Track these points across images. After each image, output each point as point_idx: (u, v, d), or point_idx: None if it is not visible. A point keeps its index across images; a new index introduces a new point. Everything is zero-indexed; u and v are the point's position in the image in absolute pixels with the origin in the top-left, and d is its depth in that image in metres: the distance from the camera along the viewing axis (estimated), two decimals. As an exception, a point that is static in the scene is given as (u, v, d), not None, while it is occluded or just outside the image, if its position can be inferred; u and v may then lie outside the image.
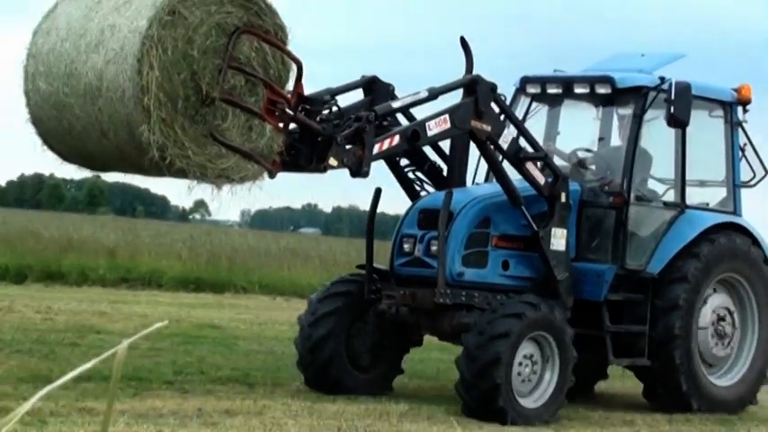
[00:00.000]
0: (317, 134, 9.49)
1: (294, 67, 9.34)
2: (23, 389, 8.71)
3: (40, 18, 8.62)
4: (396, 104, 10.20)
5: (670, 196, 11.75)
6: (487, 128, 10.36)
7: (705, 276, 11.02)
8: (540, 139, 11.65)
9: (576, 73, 11.73)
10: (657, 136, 11.58)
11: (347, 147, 9.53)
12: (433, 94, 10.35)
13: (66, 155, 8.84)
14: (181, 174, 8.59)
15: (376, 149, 9.72)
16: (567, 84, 11.48)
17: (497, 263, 10.65)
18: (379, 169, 10.42)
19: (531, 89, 11.79)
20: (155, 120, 8.19)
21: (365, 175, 9.72)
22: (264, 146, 9.11)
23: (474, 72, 10.67)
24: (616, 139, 11.84)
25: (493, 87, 10.38)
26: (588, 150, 11.77)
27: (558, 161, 11.57)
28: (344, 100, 10.58)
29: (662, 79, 10.90)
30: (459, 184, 11.15)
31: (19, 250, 21.57)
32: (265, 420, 9.14)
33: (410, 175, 11.16)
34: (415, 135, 10.07)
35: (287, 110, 9.19)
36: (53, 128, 8.52)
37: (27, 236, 23.43)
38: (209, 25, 8.58)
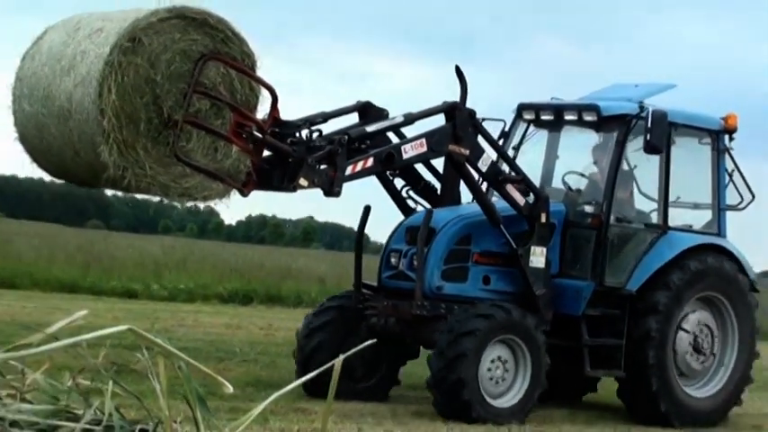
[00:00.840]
0: (288, 155, 8.95)
1: (263, 91, 8.79)
2: (249, 392, 8.82)
3: (30, 43, 8.41)
4: (370, 129, 9.66)
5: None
6: (465, 151, 9.84)
7: (682, 294, 10.53)
8: (539, 163, 11.44)
9: (566, 101, 11.23)
10: (648, 161, 11.00)
11: (320, 167, 9.03)
12: (409, 120, 9.87)
13: (52, 172, 8.69)
14: (144, 192, 8.19)
15: (349, 171, 9.21)
16: (558, 111, 11.10)
17: (478, 278, 10.16)
18: (367, 187, 10.30)
19: (527, 115, 11.38)
20: (112, 140, 7.65)
21: (337, 194, 9.20)
22: (231, 166, 8.47)
23: (468, 100, 10.16)
24: (606, 164, 11.01)
25: (471, 114, 9.93)
26: (581, 174, 11.22)
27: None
28: (340, 123, 10.02)
29: (641, 108, 10.40)
30: (451, 202, 10.70)
31: (247, 277, 22.40)
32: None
33: (404, 193, 10.62)
34: (390, 158, 9.57)
35: (255, 132, 8.62)
36: (36, 146, 8.26)
37: (254, 266, 24.12)
38: (173, 52, 8.00)
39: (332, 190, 9.10)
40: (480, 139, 10.21)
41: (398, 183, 10.72)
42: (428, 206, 10.54)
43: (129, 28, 7.73)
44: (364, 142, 9.59)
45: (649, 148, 10.29)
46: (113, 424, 2.82)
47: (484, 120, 10.85)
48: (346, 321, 10.20)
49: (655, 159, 10.86)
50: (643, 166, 11.06)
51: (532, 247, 10.11)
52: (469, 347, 9.20)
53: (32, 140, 8.20)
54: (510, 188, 10.05)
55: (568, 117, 11.01)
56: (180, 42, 8.03)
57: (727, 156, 11.32)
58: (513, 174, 10.22)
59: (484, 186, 10.46)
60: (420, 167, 10.56)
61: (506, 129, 11.33)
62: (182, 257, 27.38)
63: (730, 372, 10.93)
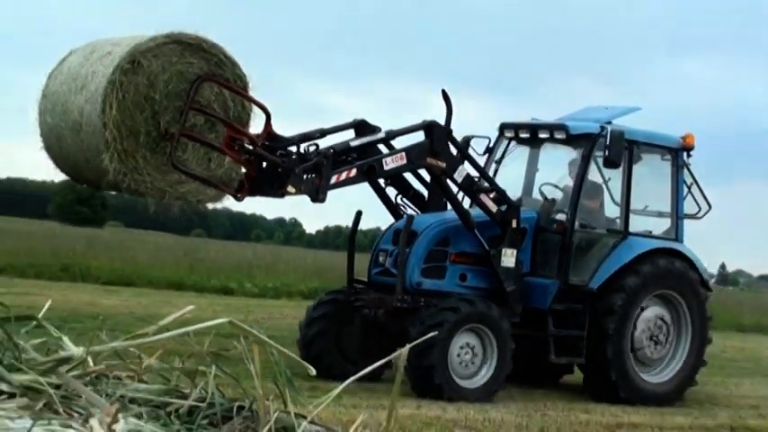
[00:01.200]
0: (277, 166, 9.43)
1: (255, 109, 9.25)
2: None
3: (55, 64, 8.95)
4: (354, 143, 10.28)
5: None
6: (442, 164, 10.49)
7: (639, 291, 11.28)
8: (522, 175, 12.26)
9: (542, 121, 12.04)
10: (619, 174, 11.75)
11: (307, 177, 9.59)
12: (390, 136, 10.58)
13: (74, 177, 9.33)
14: (142, 194, 8.58)
15: (333, 180, 9.79)
16: (533, 129, 11.91)
17: (455, 275, 10.88)
18: (361, 193, 10.98)
19: (508, 133, 12.25)
20: (113, 150, 8.07)
21: (322, 200, 9.77)
22: (223, 174, 9.03)
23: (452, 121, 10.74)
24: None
25: (448, 131, 10.56)
26: (555, 185, 11.94)
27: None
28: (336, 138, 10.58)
29: (602, 128, 11.14)
30: (437, 208, 11.31)
31: (324, 278, 24.66)
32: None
33: (399, 200, 11.26)
34: (372, 169, 10.21)
35: (246, 145, 9.02)
36: (57, 154, 8.82)
37: (330, 268, 25.83)
38: (170, 73, 8.40)
39: (317, 197, 9.67)
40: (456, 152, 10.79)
41: (392, 191, 11.30)
42: (417, 212, 11.19)
43: (130, 51, 8.19)
44: (350, 155, 10.17)
45: (608, 163, 11.05)
46: (215, 401, 3.09)
47: (472, 137, 11.88)
48: (341, 312, 10.91)
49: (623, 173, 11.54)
50: (615, 179, 11.80)
51: (504, 249, 10.76)
52: (438, 337, 9.63)
53: (54, 149, 8.72)
54: (483, 197, 10.69)
55: (542, 135, 11.79)
56: (177, 65, 8.45)
57: (686, 170, 12.06)
58: (486, 184, 10.86)
59: (461, 195, 11.00)
60: (410, 178, 11.20)
61: (491, 145, 12.09)
62: (270, 261, 29.83)
63: (685, 358, 11.68)
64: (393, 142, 10.84)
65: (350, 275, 11.25)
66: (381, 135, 10.47)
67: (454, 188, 10.94)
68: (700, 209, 12.20)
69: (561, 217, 11.59)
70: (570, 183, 11.75)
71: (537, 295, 11.17)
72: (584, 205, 11.57)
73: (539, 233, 11.40)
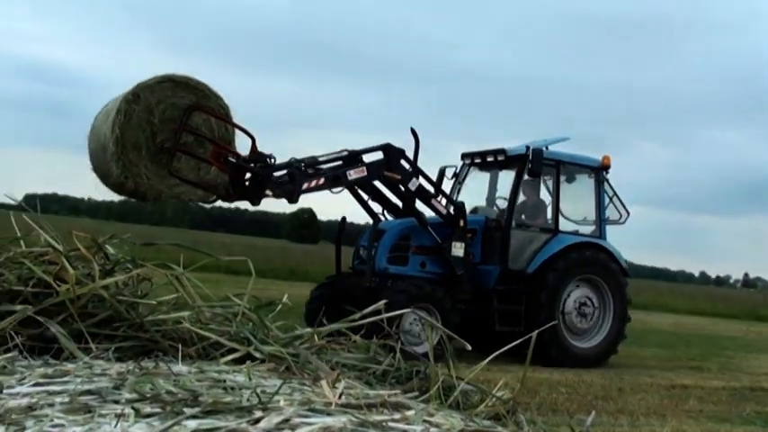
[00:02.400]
0: (257, 174, 11.39)
1: (236, 131, 10.85)
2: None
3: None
4: (321, 158, 12.31)
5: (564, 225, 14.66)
6: (398, 176, 12.76)
7: (566, 275, 13.93)
8: (484, 193, 15.33)
9: (489, 148, 14.81)
10: (569, 190, 14.76)
11: (284, 184, 11.66)
12: (352, 154, 12.56)
13: (113, 189, 10.57)
14: (143, 194, 10.24)
15: (305, 186, 11.84)
16: (483, 155, 14.86)
17: (416, 263, 13.41)
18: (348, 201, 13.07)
19: (467, 159, 15.27)
20: (118, 160, 9.88)
21: (295, 202, 11.94)
22: (211, 179, 10.74)
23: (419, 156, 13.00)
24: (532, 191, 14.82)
25: (401, 151, 12.83)
26: (505, 198, 14.73)
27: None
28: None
29: (527, 147, 13.89)
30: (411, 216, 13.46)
31: None
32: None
33: (384, 212, 13.38)
34: (337, 179, 12.22)
35: (230, 159, 10.88)
36: (97, 169, 10.43)
37: None
38: (166, 103, 10.21)
39: (292, 198, 11.77)
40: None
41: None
42: (393, 218, 13.51)
43: (133, 88, 10.05)
44: (318, 167, 12.16)
45: (530, 173, 13.80)
46: (400, 367, 4.30)
47: (446, 167, 15.15)
48: (335, 293, 13.17)
49: (566, 188, 14.57)
50: (563, 194, 14.53)
51: (453, 242, 13.28)
52: (397, 306, 11.28)
53: (95, 168, 10.49)
54: (434, 202, 13.13)
55: (489, 159, 14.69)
56: (171, 98, 10.25)
57: (606, 185, 14.79)
58: (434, 192, 13.19)
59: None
60: (389, 194, 13.26)
61: (457, 171, 15.28)
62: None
63: (608, 331, 14.30)
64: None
65: (338, 266, 13.70)
66: (344, 153, 12.54)
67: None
68: (620, 215, 14.94)
69: (496, 218, 14.37)
70: (522, 198, 14.42)
71: (484, 279, 13.71)
72: (530, 213, 14.43)
73: (486, 232, 14.07)
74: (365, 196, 13.06)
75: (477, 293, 13.50)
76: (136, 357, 3.75)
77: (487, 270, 13.81)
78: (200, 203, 11.36)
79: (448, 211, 13.28)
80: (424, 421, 3.00)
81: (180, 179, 10.32)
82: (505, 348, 4.18)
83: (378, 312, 4.35)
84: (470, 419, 3.35)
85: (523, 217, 14.36)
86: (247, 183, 11.47)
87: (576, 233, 14.58)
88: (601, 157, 14.77)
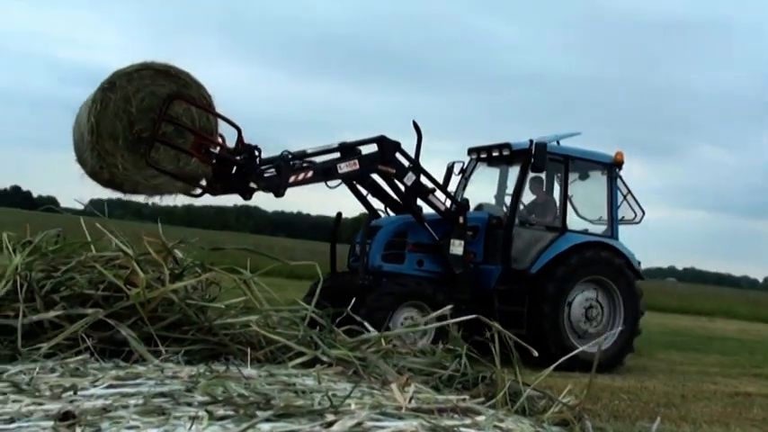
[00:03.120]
0: (241, 167, 11.04)
1: (219, 121, 10.60)
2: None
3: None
4: (309, 150, 11.92)
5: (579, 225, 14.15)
6: (392, 170, 12.33)
7: (571, 276, 13.36)
8: (493, 189, 14.68)
9: (501, 143, 14.09)
10: (583, 188, 14.18)
11: (270, 176, 11.29)
12: (343, 147, 12.13)
13: (92, 179, 10.30)
14: (120, 185, 10.00)
15: (292, 179, 11.42)
16: (488, 150, 14.14)
17: (413, 261, 12.86)
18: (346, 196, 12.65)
19: (473, 154, 14.60)
20: (93, 149, 9.68)
21: (281, 195, 11.42)
22: (191, 170, 10.48)
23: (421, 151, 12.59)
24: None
25: (396, 144, 12.37)
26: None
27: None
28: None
29: (531, 141, 13.30)
30: (409, 212, 13.16)
31: None
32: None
33: (385, 209, 13.05)
34: (327, 171, 11.80)
35: (211, 150, 10.55)
36: (79, 160, 10.26)
37: None
38: (144, 92, 9.92)
39: (278, 192, 11.37)
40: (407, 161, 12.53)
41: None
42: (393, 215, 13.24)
43: (109, 76, 9.88)
44: (306, 160, 11.82)
45: (533, 168, 13.21)
46: (467, 372, 4.29)
47: (454, 163, 14.50)
48: (334, 290, 12.10)
49: (579, 185, 14.07)
50: (577, 194, 14.05)
51: (452, 240, 12.80)
52: (380, 317, 10.90)
53: (77, 155, 10.38)
54: (431, 197, 12.68)
55: (494, 153, 14.04)
56: (151, 86, 10.02)
57: (620, 182, 14.13)
58: (432, 187, 12.73)
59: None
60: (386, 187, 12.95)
61: (464, 167, 14.62)
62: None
63: (616, 337, 13.54)
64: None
65: (332, 264, 13.32)
66: (335, 145, 12.21)
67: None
68: (635, 215, 14.26)
69: (498, 215, 13.89)
70: (532, 196, 14.08)
71: (484, 278, 13.24)
72: (540, 211, 13.95)
73: (489, 230, 13.54)
74: (364, 191, 12.74)
75: (477, 294, 13.04)
76: (205, 360, 3.82)
77: (489, 270, 13.35)
78: (184, 195, 10.98)
79: (447, 208, 12.90)
80: (495, 427, 3.01)
81: (158, 170, 10.09)
82: (569, 356, 4.12)
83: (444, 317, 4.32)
84: (539, 425, 3.34)
85: (533, 215, 13.92)
86: (230, 174, 11.23)
87: (585, 232, 14.13)
88: (614, 152, 14.21)
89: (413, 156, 12.48)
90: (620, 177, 14.15)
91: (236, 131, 10.94)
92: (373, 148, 12.37)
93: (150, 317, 3.98)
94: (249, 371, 3.48)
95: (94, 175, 10.01)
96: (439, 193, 12.83)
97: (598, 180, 14.19)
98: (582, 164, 14.04)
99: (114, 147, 9.85)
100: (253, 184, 11.14)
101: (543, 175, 13.91)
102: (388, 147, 12.31)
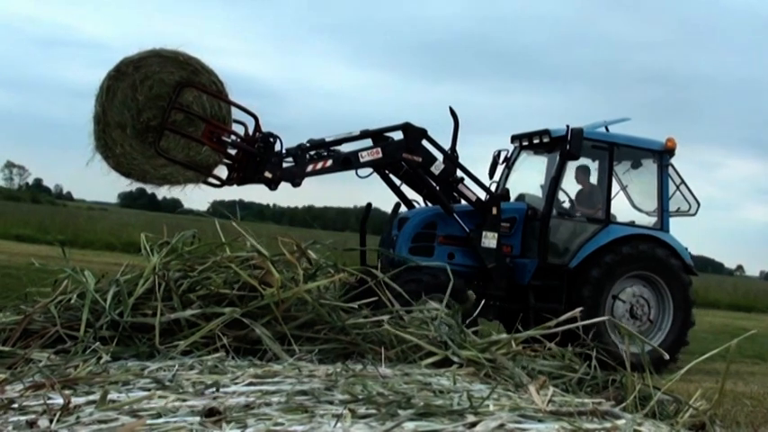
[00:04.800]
0: (255, 155, 10.64)
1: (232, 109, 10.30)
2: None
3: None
4: (329, 139, 11.40)
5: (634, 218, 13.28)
6: (418, 159, 11.68)
7: (614, 270, 12.52)
8: (539, 178, 13.54)
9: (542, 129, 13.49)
10: (634, 177, 13.36)
11: (286, 165, 10.87)
12: (365, 134, 11.67)
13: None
14: (127, 173, 9.78)
15: (310, 168, 11.03)
16: (529, 137, 13.34)
17: (444, 254, 12.09)
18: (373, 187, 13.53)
19: (516, 142, 13.78)
20: (99, 138, 9.48)
21: (297, 185, 10.96)
22: (203, 160, 10.21)
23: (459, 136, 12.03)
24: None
25: (423, 131, 11.70)
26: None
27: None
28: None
29: (567, 127, 12.38)
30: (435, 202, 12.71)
31: None
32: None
33: (421, 199, 12.40)
34: (347, 161, 11.32)
35: (224, 138, 10.28)
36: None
37: None
38: (153, 79, 9.75)
39: (293, 182, 10.93)
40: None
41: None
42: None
43: (117, 64, 9.76)
44: (326, 149, 11.33)
45: (568, 156, 12.39)
46: (597, 375, 4.21)
47: (500, 151, 13.70)
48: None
49: (633, 175, 13.17)
50: (632, 185, 13.23)
51: (484, 232, 12.00)
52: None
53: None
54: (461, 188, 11.97)
55: (535, 141, 13.22)
56: (159, 73, 9.86)
57: (672, 171, 13.25)
58: (461, 177, 11.98)
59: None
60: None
61: (508, 155, 13.77)
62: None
63: (665, 335, 12.67)
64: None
65: (362, 256, 12.80)
66: (356, 133, 11.80)
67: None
68: (690, 206, 13.38)
69: (534, 205, 13.22)
70: (578, 186, 13.32)
71: (519, 273, 12.64)
72: (586, 202, 13.10)
73: (527, 221, 12.80)
74: (397, 181, 12.28)
75: (511, 289, 12.41)
76: (337, 359, 3.82)
77: (524, 264, 12.64)
78: (197, 184, 10.50)
79: (478, 198, 12.24)
80: (635, 431, 2.91)
81: (167, 159, 9.96)
82: (704, 357, 4.01)
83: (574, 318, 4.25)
84: (675, 430, 3.23)
85: (578, 206, 13.23)
86: (246, 163, 11.03)
87: (632, 224, 13.35)
88: (665, 139, 13.43)
89: (450, 143, 12.01)
90: (672, 166, 13.42)
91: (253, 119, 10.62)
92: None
93: (284, 316, 4.03)
94: (384, 370, 3.49)
95: (105, 164, 9.96)
96: (471, 183, 12.22)
97: (653, 170, 13.46)
98: (629, 151, 13.31)
99: (122, 136, 9.76)
100: (268, 174, 10.82)
101: (591, 164, 13.40)
102: (413, 134, 11.78)
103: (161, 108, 9.81)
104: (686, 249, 13.32)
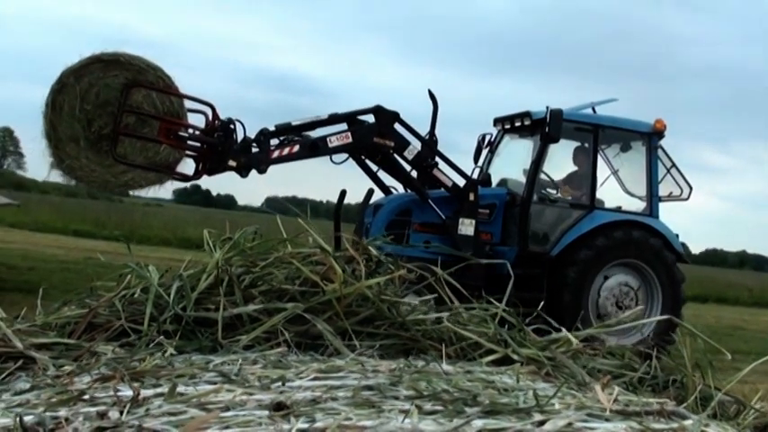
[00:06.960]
0: (216, 145, 10.46)
1: (181, 102, 10.15)
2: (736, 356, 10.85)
3: None
4: (295, 123, 11.18)
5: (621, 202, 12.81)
6: (390, 143, 11.34)
7: (601, 255, 11.92)
8: (527, 161, 12.87)
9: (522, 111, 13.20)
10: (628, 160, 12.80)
11: (250, 152, 10.66)
12: (333, 119, 11.35)
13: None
14: (86, 182, 9.63)
15: (276, 154, 10.83)
16: (511, 119, 12.82)
17: (420, 242, 11.56)
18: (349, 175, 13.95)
19: (498, 125, 13.30)
20: (54, 155, 9.36)
21: (263, 172, 10.73)
22: (163, 159, 10.07)
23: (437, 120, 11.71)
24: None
25: (395, 114, 11.34)
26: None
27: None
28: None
29: (547, 108, 11.89)
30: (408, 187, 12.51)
31: None
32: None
33: (386, 180, 12.26)
34: (314, 146, 11.08)
35: (181, 133, 10.15)
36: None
37: None
38: (98, 86, 9.62)
39: (259, 168, 10.76)
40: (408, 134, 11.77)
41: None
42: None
43: (59, 76, 9.61)
44: (296, 134, 11.18)
45: (548, 138, 11.90)
46: (657, 375, 4.11)
47: (485, 135, 13.11)
48: None
49: (623, 158, 12.60)
50: (624, 168, 12.75)
51: (461, 219, 11.58)
52: None
53: None
54: (436, 173, 11.64)
55: (517, 123, 12.81)
56: (104, 78, 9.77)
57: (662, 153, 12.78)
58: (435, 162, 11.67)
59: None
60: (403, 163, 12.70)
61: (491, 138, 13.29)
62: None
63: (655, 324, 11.81)
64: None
65: (336, 244, 12.63)
66: (324, 117, 11.61)
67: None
68: (682, 190, 12.90)
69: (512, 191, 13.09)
70: (573, 168, 12.88)
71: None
72: (577, 186, 12.65)
73: (508, 208, 12.45)
74: (374, 167, 12.07)
75: (491, 279, 11.95)
76: (397, 355, 3.80)
77: (503, 252, 12.23)
78: (160, 185, 10.47)
79: (454, 184, 11.97)
80: (702, 432, 2.84)
81: (127, 164, 9.85)
82: (761, 361, 3.91)
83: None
84: (741, 432, 3.16)
85: (571, 188, 12.71)
86: (208, 155, 11.02)
87: (618, 210, 12.90)
88: (653, 120, 13.05)
89: (428, 127, 11.60)
90: (662, 148, 12.96)
91: (209, 110, 10.32)
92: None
93: (345, 311, 4.01)
94: (447, 367, 3.45)
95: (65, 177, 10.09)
96: (446, 168, 11.97)
97: (635, 149, 13.05)
98: (616, 133, 12.91)
99: (76, 149, 9.59)
100: (232, 162, 10.65)
101: (590, 146, 13.04)
102: (384, 118, 11.47)
103: (111, 114, 9.55)
104: (677, 236, 12.71)
